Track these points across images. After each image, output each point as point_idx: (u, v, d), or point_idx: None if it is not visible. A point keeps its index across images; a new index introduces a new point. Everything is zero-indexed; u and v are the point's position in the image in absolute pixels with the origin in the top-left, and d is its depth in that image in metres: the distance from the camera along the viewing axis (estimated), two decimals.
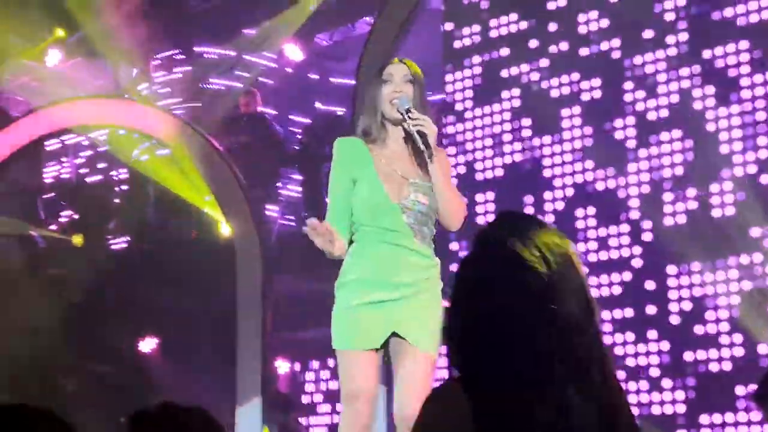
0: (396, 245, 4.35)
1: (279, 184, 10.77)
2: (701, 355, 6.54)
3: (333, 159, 4.52)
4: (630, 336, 6.77)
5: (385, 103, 4.45)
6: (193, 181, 9.69)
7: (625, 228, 6.92)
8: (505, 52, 7.58)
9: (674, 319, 6.68)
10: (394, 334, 4.32)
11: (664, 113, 6.87)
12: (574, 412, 2.09)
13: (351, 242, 4.47)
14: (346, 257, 4.42)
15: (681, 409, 6.58)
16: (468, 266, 2.27)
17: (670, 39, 6.91)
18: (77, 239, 11.29)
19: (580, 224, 7.09)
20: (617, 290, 6.89)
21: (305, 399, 9.02)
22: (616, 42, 7.13)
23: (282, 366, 9.51)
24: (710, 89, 6.73)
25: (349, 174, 4.44)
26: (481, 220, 7.30)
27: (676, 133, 6.82)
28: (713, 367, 6.49)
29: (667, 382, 6.63)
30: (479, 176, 7.57)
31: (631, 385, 6.68)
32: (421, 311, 4.33)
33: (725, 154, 6.62)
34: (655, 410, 6.63)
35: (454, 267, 7.02)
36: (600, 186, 7.06)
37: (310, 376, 9.01)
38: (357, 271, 4.36)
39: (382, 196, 4.37)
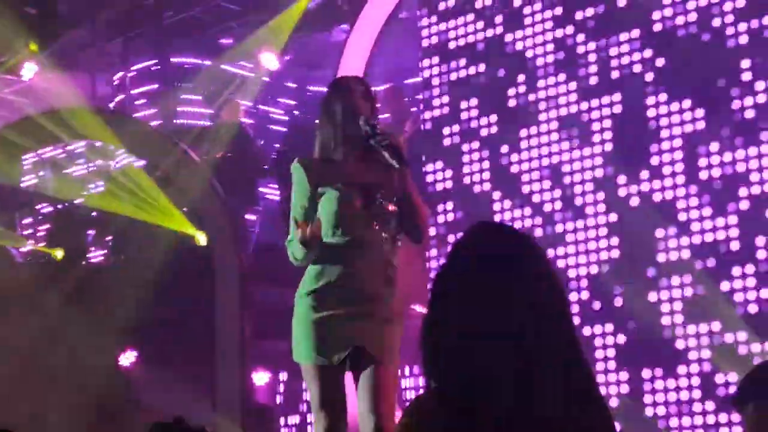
0: (364, 255, 4.32)
1: (257, 194, 10.75)
2: None
3: (294, 179, 4.47)
4: None
5: (346, 120, 4.44)
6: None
7: None
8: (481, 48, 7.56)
9: None
10: (357, 347, 4.29)
11: None
12: (549, 408, 2.09)
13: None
14: (309, 267, 4.39)
15: None
16: (443, 279, 2.27)
17: None
18: (57, 253, 11.24)
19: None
20: None
21: (283, 410, 8.98)
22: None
23: (261, 377, 9.48)
24: None
25: (313, 190, 4.40)
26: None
27: None
28: None
29: None
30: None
31: None
32: (384, 323, 4.31)
33: None
34: None
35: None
36: None
37: (288, 386, 8.97)
38: (319, 282, 4.32)
39: (350, 206, 4.35)
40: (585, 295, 6.89)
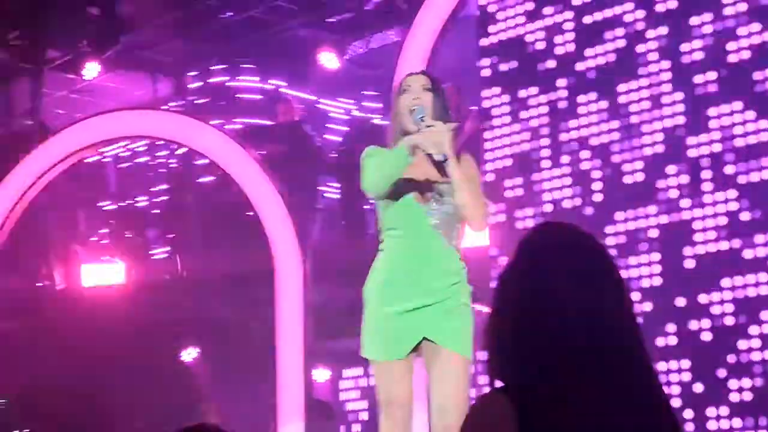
0: (424, 248, 4.39)
1: (317, 193, 10.79)
2: None
3: (365, 157, 4.50)
4: None
5: (404, 114, 4.49)
6: None
7: None
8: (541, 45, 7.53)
9: None
10: (426, 339, 4.34)
11: None
12: (619, 417, 2.09)
13: (379, 250, 4.52)
14: (375, 262, 4.48)
15: None
16: (512, 274, 2.28)
17: None
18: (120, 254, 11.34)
19: None
20: None
21: (346, 407, 9.00)
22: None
23: (322, 374, 9.53)
24: None
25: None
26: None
27: None
28: None
29: None
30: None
31: None
32: (452, 315, 4.35)
33: None
34: None
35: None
36: None
37: (350, 384, 9.01)
38: (385, 274, 4.40)
39: (408, 199, 4.42)
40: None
